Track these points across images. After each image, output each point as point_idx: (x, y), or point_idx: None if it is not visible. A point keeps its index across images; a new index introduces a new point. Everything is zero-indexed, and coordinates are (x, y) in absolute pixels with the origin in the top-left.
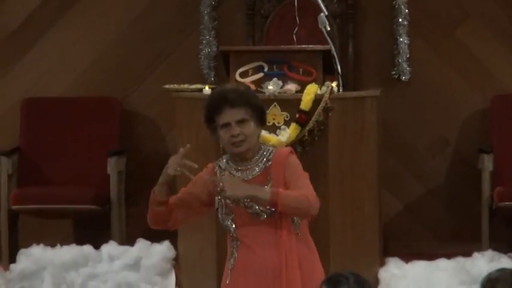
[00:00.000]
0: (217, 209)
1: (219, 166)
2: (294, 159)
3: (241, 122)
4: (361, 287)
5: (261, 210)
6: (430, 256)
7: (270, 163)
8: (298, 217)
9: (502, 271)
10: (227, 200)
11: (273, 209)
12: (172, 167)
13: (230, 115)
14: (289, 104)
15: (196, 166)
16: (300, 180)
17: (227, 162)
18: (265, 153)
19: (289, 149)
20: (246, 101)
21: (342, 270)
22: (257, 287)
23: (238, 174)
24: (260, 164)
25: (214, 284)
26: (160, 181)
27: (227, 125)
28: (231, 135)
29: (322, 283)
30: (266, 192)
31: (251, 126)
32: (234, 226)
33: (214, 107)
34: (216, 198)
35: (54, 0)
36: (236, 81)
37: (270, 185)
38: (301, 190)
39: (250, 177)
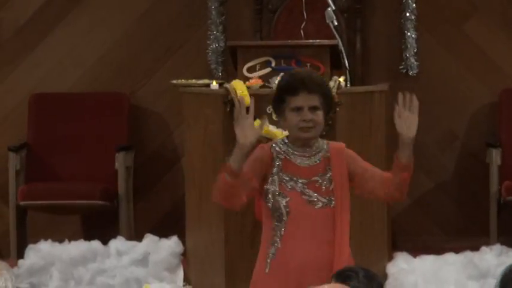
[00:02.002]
0: (267, 191)
1: (275, 149)
2: (351, 151)
3: (313, 108)
4: (371, 281)
5: (318, 197)
6: (438, 250)
7: (328, 154)
8: (386, 196)
9: None
10: (287, 183)
11: (330, 199)
12: (252, 136)
13: (305, 99)
14: None
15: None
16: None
17: (285, 145)
18: (323, 144)
19: (343, 143)
20: (321, 90)
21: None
22: (299, 279)
23: (297, 159)
24: (320, 152)
25: (222, 279)
26: (238, 152)
27: (299, 108)
28: (301, 119)
29: (332, 277)
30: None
31: (321, 115)
32: (287, 210)
33: (290, 88)
34: (272, 177)
35: None
36: (244, 76)
37: (329, 174)
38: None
39: (309, 164)
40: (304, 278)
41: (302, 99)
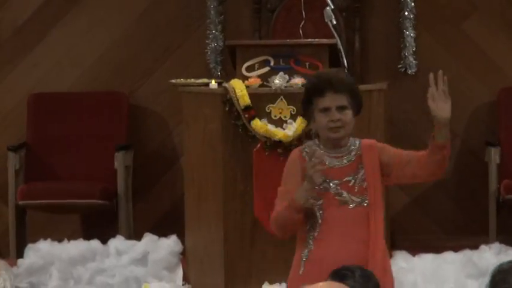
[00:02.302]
0: None
1: (306, 152)
2: (381, 143)
3: (341, 108)
4: (367, 281)
5: (351, 197)
6: (438, 249)
7: (360, 152)
8: (428, 177)
9: None
10: (320, 186)
11: (363, 198)
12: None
13: (332, 100)
14: (296, 97)
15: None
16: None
17: (317, 147)
18: (356, 143)
19: (373, 139)
20: (349, 89)
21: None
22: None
23: (329, 160)
24: (352, 152)
25: (221, 278)
26: (304, 188)
27: (327, 109)
28: (330, 119)
29: (328, 277)
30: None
31: (349, 114)
32: (321, 212)
33: (317, 89)
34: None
35: None
36: (242, 75)
37: (362, 173)
38: None
39: (342, 165)
40: None
41: (329, 100)
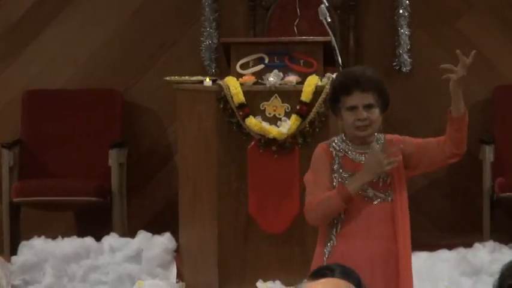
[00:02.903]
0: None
1: (333, 147)
2: (402, 136)
3: (368, 106)
4: (348, 278)
5: (375, 193)
6: (432, 247)
7: (385, 147)
8: (448, 159)
9: None
10: (346, 181)
11: (387, 194)
12: (384, 165)
13: (359, 98)
14: (290, 95)
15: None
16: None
17: (343, 143)
18: (380, 138)
19: (396, 134)
20: (376, 87)
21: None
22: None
23: (355, 156)
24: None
25: (215, 275)
26: (363, 180)
27: (354, 108)
28: (357, 118)
29: (308, 277)
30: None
31: (376, 112)
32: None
33: (344, 87)
34: (333, 175)
35: None
36: (237, 72)
37: None
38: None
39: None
40: (360, 275)
41: (356, 98)
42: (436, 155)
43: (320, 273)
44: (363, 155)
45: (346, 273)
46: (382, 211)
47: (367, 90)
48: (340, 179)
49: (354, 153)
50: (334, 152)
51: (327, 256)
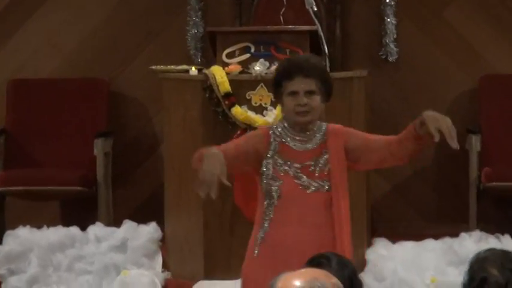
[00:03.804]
0: (262, 173)
1: (274, 132)
2: (349, 128)
3: (309, 93)
4: (343, 268)
5: (310, 182)
6: (418, 237)
7: (326, 137)
8: (395, 162)
9: (491, 251)
10: (281, 167)
11: (323, 183)
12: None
13: (300, 84)
14: None
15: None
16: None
17: (284, 129)
18: (322, 127)
19: (340, 125)
20: (319, 74)
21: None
22: (286, 263)
23: (294, 143)
24: (318, 136)
25: (201, 265)
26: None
27: (295, 93)
28: (297, 103)
29: (305, 264)
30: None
31: (318, 99)
32: (278, 193)
33: (286, 72)
34: (267, 160)
35: None
36: (223, 62)
37: (325, 158)
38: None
39: (306, 148)
40: (291, 262)
41: (297, 84)
42: (388, 156)
43: (316, 262)
44: (302, 143)
45: (342, 263)
46: (317, 200)
47: (309, 76)
48: (274, 166)
49: (292, 140)
50: (272, 137)
51: (259, 242)
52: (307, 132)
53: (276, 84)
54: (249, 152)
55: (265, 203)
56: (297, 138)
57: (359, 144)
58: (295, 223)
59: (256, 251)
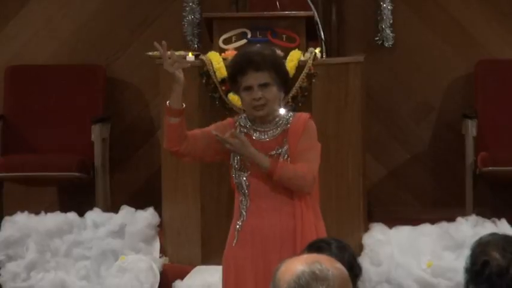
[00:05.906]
0: (231, 165)
1: (239, 123)
2: (312, 125)
3: (263, 85)
4: (343, 252)
5: None
6: (414, 221)
7: (288, 126)
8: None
9: (492, 235)
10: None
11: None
12: (167, 66)
13: (253, 78)
14: None
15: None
16: (311, 153)
17: (247, 121)
18: (285, 117)
19: (308, 114)
20: (271, 65)
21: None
22: (264, 251)
23: (257, 134)
24: (279, 127)
25: (198, 250)
26: (173, 91)
27: (250, 88)
28: (252, 98)
29: (304, 249)
30: (266, 160)
31: (273, 90)
32: (247, 184)
33: (238, 68)
34: (233, 152)
35: None
36: (219, 47)
37: (285, 147)
38: (304, 165)
39: (268, 138)
40: (268, 250)
41: (251, 78)
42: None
43: (316, 246)
44: (263, 134)
45: (341, 247)
46: (283, 188)
47: (262, 69)
48: (241, 157)
49: (255, 131)
50: (238, 129)
51: (238, 230)
52: (268, 124)
53: (231, 80)
54: (213, 138)
55: (241, 194)
56: (259, 129)
57: (299, 148)
58: (269, 211)
59: (235, 240)
